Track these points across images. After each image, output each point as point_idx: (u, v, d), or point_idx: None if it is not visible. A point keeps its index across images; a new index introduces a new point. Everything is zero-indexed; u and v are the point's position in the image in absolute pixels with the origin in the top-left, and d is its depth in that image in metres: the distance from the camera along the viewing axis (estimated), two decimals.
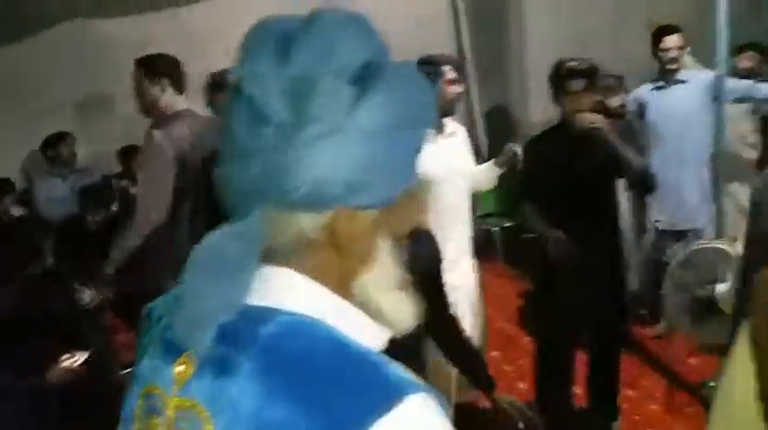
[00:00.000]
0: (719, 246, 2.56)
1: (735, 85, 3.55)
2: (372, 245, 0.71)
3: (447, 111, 2.80)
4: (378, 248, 0.71)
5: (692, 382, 3.36)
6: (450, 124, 2.88)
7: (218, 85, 3.26)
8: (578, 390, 3.02)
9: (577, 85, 2.63)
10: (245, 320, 0.66)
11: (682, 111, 3.76)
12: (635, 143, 3.47)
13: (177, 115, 2.86)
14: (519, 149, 2.97)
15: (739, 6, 3.50)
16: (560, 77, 2.68)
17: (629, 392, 3.29)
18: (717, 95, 3.41)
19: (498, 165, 3.05)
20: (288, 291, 0.69)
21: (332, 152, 0.65)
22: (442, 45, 5.09)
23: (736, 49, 4.17)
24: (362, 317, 0.71)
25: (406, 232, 0.75)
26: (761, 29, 4.73)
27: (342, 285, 0.71)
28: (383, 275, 0.71)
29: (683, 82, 3.83)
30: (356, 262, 0.70)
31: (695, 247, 2.66)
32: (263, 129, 0.66)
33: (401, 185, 0.70)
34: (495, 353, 3.69)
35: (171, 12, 5.06)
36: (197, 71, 3.65)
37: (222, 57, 4.37)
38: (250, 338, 0.65)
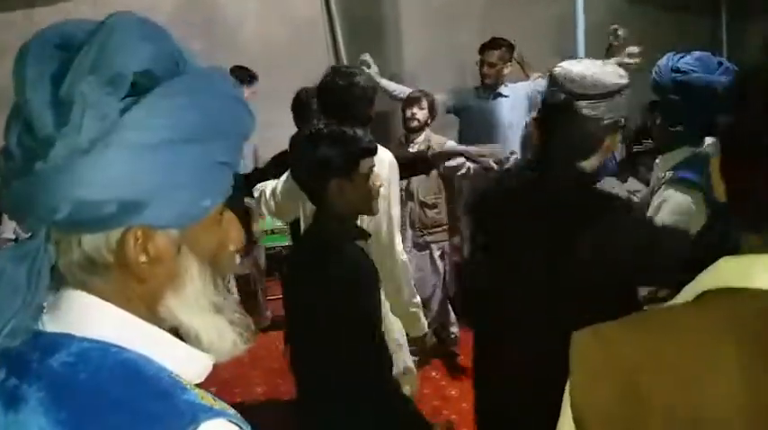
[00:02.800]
0: None
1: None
2: (177, 266, 0.67)
3: None
4: (185, 270, 0.67)
5: None
6: None
7: None
8: None
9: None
10: (35, 348, 0.63)
11: (502, 123, 3.99)
12: None
13: None
14: None
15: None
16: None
17: None
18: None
19: None
20: (82, 316, 0.65)
21: (92, 169, 0.60)
22: (317, 50, 4.91)
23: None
24: (173, 344, 0.67)
25: (221, 251, 0.71)
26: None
27: (149, 309, 0.67)
28: (193, 298, 0.67)
29: (504, 96, 4.06)
30: (160, 284, 0.67)
31: None
32: (29, 143, 0.62)
33: (201, 202, 0.66)
34: None
35: (24, 13, 4.96)
36: None
37: None
38: (39, 368, 0.62)
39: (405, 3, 5.48)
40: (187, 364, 0.68)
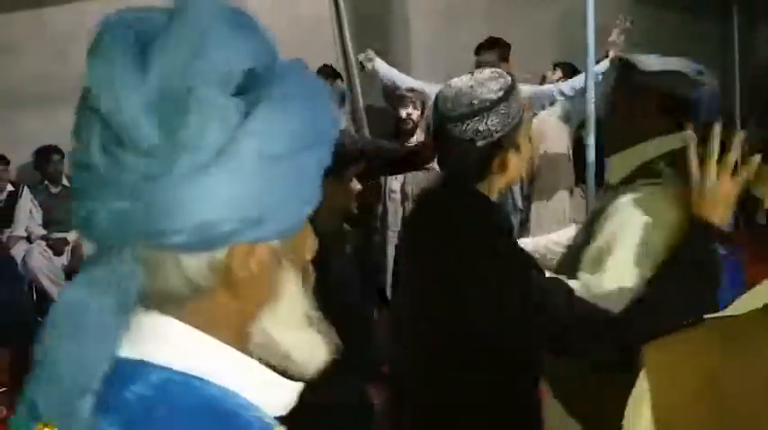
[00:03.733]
0: None
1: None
2: (274, 280, 0.61)
3: None
4: (281, 283, 0.62)
5: None
6: None
7: None
8: None
9: None
10: (112, 378, 0.55)
11: None
12: None
13: None
14: None
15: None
16: None
17: None
18: None
19: None
20: (165, 343, 0.58)
21: (217, 184, 0.53)
22: (324, 49, 4.85)
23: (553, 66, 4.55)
24: (261, 373, 0.61)
25: (308, 260, 0.66)
26: None
27: (239, 332, 0.61)
28: (288, 313, 0.62)
29: None
30: (257, 302, 0.61)
31: None
32: (127, 157, 0.53)
33: (306, 211, 0.61)
34: None
35: (34, 13, 4.90)
36: (59, 73, 3.92)
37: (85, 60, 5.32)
38: (115, 401, 0.55)
39: (412, 2, 5.48)
40: (275, 395, 0.62)
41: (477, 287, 1.29)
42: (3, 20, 4.71)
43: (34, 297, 4.32)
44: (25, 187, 4.56)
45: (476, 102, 1.33)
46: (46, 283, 4.32)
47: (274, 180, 0.56)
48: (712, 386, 0.68)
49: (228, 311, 0.60)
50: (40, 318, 3.87)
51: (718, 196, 1.24)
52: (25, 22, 4.81)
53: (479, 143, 1.34)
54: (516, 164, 1.39)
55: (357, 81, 4.84)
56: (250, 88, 0.55)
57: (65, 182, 4.56)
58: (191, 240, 0.54)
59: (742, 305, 0.73)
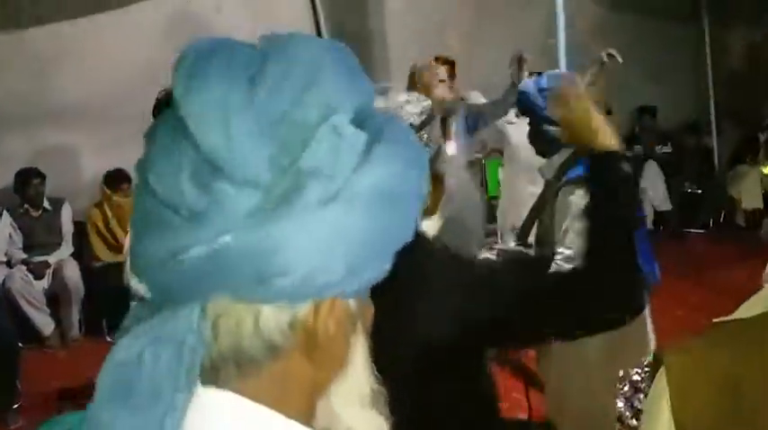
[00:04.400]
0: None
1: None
2: (347, 345, 0.53)
3: None
4: (354, 350, 0.54)
5: None
6: None
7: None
8: None
9: None
10: None
11: None
12: None
13: None
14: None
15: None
16: None
17: None
18: None
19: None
20: (231, 425, 0.49)
21: (335, 226, 0.47)
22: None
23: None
24: None
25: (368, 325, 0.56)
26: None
27: (309, 405, 0.53)
28: (356, 385, 0.54)
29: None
30: (330, 370, 0.53)
31: None
32: (225, 187, 0.46)
33: (385, 266, 0.52)
34: None
35: (17, 34, 4.94)
36: (39, 94, 3.90)
37: (71, 80, 4.61)
38: None
39: (391, 18, 5.53)
40: None
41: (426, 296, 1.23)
42: None
43: (14, 322, 4.25)
44: (4, 211, 4.49)
45: None
46: (26, 308, 4.26)
47: (381, 223, 0.49)
48: (730, 389, 0.69)
49: (301, 381, 0.51)
50: (21, 344, 3.81)
51: (585, 120, 1.27)
52: (6, 41, 4.78)
53: None
54: (436, 196, 1.33)
55: None
56: (364, 124, 0.50)
57: (46, 205, 4.50)
58: (294, 287, 0.46)
59: (751, 307, 0.75)
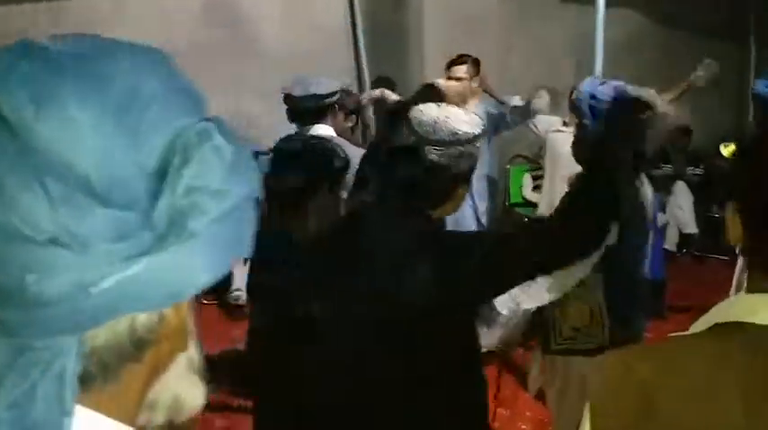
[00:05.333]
0: None
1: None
2: (188, 325, 0.56)
3: None
4: (190, 329, 0.57)
5: None
6: None
7: None
8: None
9: None
10: None
11: None
12: None
13: None
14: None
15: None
16: None
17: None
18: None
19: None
20: None
21: (227, 239, 0.50)
22: (340, 57, 4.97)
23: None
24: None
25: None
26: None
27: (141, 397, 0.55)
28: (191, 360, 0.58)
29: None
30: (172, 353, 0.55)
31: None
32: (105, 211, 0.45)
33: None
34: None
35: (56, 3, 4.86)
36: None
37: None
38: None
39: (428, 12, 5.49)
40: None
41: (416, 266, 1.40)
42: (25, 8, 4.75)
43: None
44: None
45: (459, 133, 1.42)
46: None
47: (247, 232, 0.53)
48: (647, 401, 0.74)
49: (138, 378, 0.53)
50: None
51: None
52: (46, 10, 4.86)
53: (454, 170, 1.43)
54: (460, 197, 1.52)
55: (368, 87, 5.04)
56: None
57: None
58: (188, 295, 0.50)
59: (702, 323, 0.80)
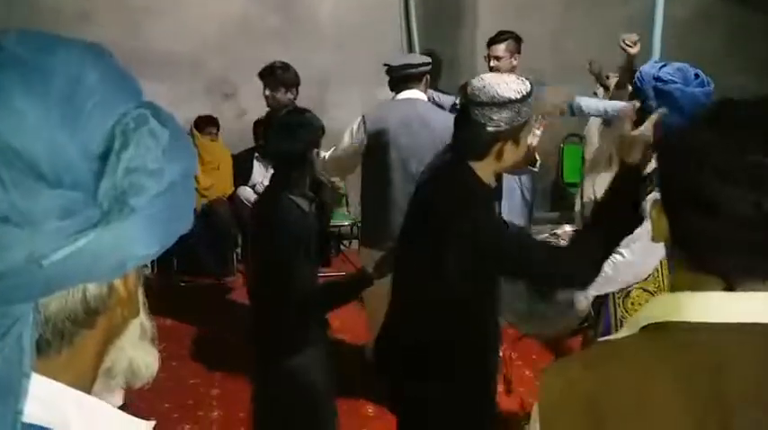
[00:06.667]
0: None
1: (587, 103, 3.55)
2: (137, 296, 0.60)
3: None
4: (138, 296, 0.60)
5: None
6: None
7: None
8: None
9: None
10: None
11: None
12: None
13: None
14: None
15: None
16: None
17: None
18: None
19: None
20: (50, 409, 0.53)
21: (167, 215, 0.55)
22: (391, 33, 5.02)
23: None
24: (108, 410, 0.58)
25: None
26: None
27: (96, 365, 0.59)
28: (141, 325, 0.63)
29: None
30: (124, 321, 0.59)
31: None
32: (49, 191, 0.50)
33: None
34: None
35: None
36: (133, 46, 4.00)
37: (163, 30, 4.84)
38: None
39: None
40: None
41: (457, 228, 1.65)
42: None
43: None
44: None
45: (497, 96, 1.65)
46: None
47: (189, 209, 0.58)
48: (592, 410, 0.74)
49: (96, 342, 0.57)
50: None
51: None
52: None
53: (489, 128, 1.66)
54: (511, 154, 1.72)
55: None
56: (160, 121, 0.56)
57: None
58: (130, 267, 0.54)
59: (633, 324, 0.79)
